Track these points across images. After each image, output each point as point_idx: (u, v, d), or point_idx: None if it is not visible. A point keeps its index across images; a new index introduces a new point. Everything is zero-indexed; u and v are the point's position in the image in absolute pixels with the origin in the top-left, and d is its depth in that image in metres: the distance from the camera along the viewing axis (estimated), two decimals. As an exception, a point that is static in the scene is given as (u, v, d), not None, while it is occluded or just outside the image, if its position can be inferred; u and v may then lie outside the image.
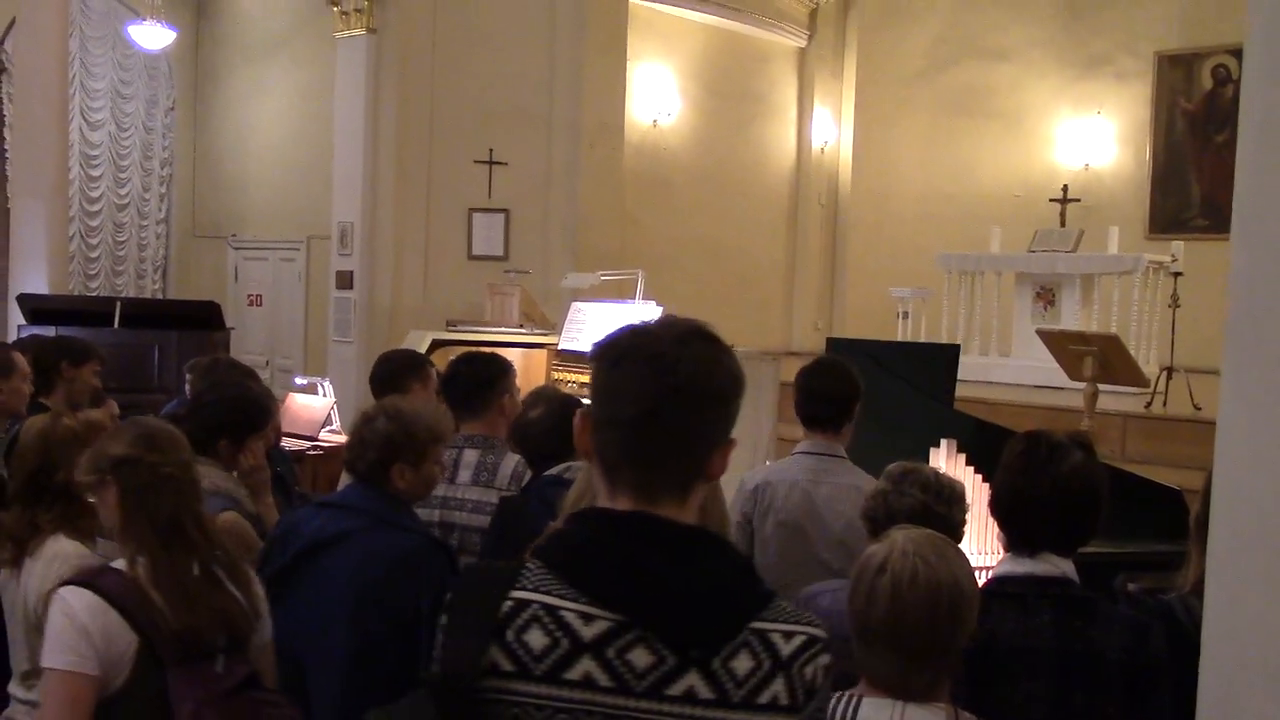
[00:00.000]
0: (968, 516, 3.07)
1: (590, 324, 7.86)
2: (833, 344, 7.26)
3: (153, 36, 12.14)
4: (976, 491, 3.82)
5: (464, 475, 3.95)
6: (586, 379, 2.06)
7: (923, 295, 11.84)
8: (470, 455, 3.98)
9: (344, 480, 3.64)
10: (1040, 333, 8.86)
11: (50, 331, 8.48)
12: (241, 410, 3.85)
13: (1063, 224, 12.10)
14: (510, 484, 3.90)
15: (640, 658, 1.54)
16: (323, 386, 8.49)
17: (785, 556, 3.91)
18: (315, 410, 8.06)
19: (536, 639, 1.56)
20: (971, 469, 4.16)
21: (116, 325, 9.90)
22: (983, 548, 3.95)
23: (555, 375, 8.06)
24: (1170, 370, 9.31)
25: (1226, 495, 1.78)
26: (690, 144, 13.49)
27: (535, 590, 1.58)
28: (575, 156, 11.38)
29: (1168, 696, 2.55)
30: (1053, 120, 14.34)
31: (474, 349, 5.03)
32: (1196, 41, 13.33)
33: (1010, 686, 2.56)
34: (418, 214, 11.34)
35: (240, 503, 3.71)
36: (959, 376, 6.61)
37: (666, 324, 1.65)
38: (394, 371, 4.56)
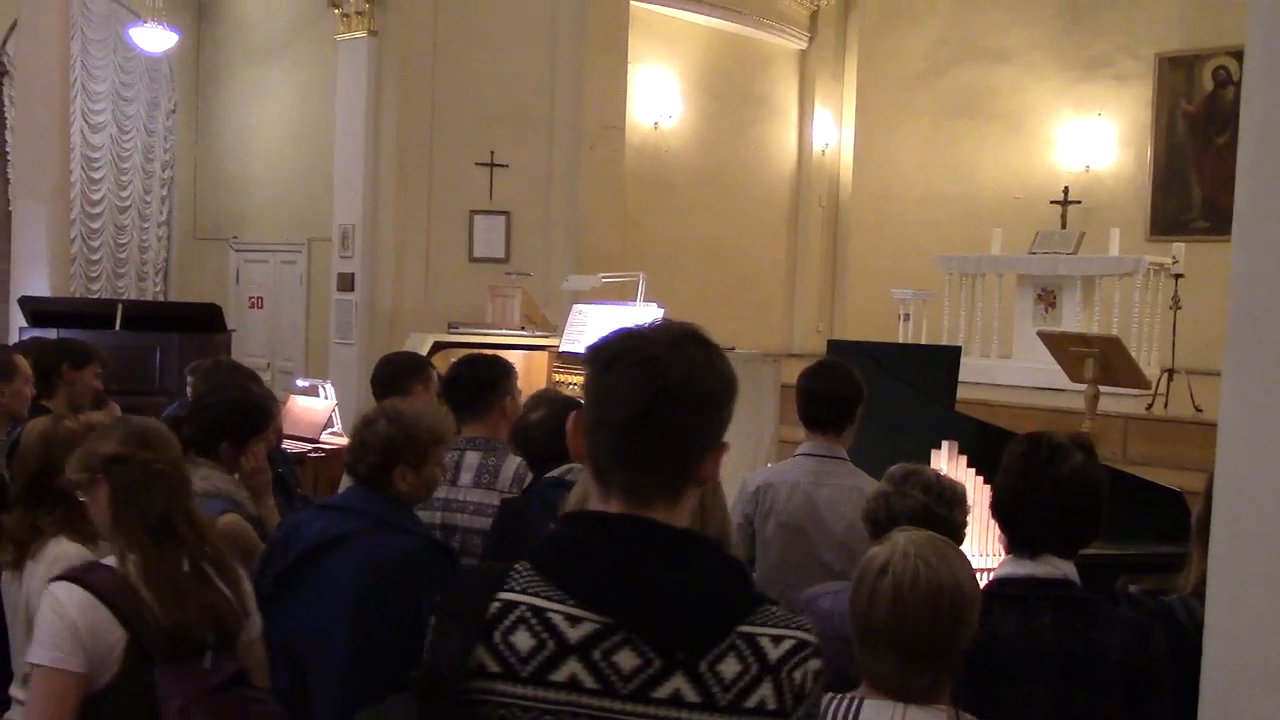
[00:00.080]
0: (969, 518, 3.07)
1: (591, 326, 7.86)
2: (834, 346, 7.25)
3: (154, 39, 12.14)
4: (978, 493, 3.82)
5: (465, 477, 3.95)
6: (587, 381, 2.08)
7: (924, 297, 11.84)
8: (472, 457, 3.98)
9: (345, 483, 3.64)
10: (1041, 334, 8.86)
11: (52, 334, 8.51)
12: (243, 412, 3.85)
13: (1064, 226, 12.09)
14: (512, 486, 3.90)
15: (626, 660, 1.54)
16: (324, 389, 8.49)
17: (786, 558, 3.91)
18: (316, 412, 8.06)
19: (523, 640, 1.56)
20: (973, 471, 4.16)
21: (118, 327, 9.90)
22: (984, 549, 3.95)
23: (556, 377, 8.05)
24: (1171, 372, 9.31)
25: (1228, 497, 1.78)
26: (691, 146, 13.49)
27: (523, 592, 1.59)
28: (576, 158, 11.38)
29: (1169, 698, 2.55)
30: (1053, 122, 14.34)
31: (475, 351, 5.03)
32: (1197, 43, 13.33)
33: (1011, 688, 2.56)
34: (419, 216, 11.35)
35: (242, 505, 3.71)
36: (960, 378, 6.61)
37: (660, 327, 1.65)
38: (395, 374, 4.57)
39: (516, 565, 1.63)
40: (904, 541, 2.26)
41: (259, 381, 4.75)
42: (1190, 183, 13.58)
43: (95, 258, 13.80)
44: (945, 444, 4.26)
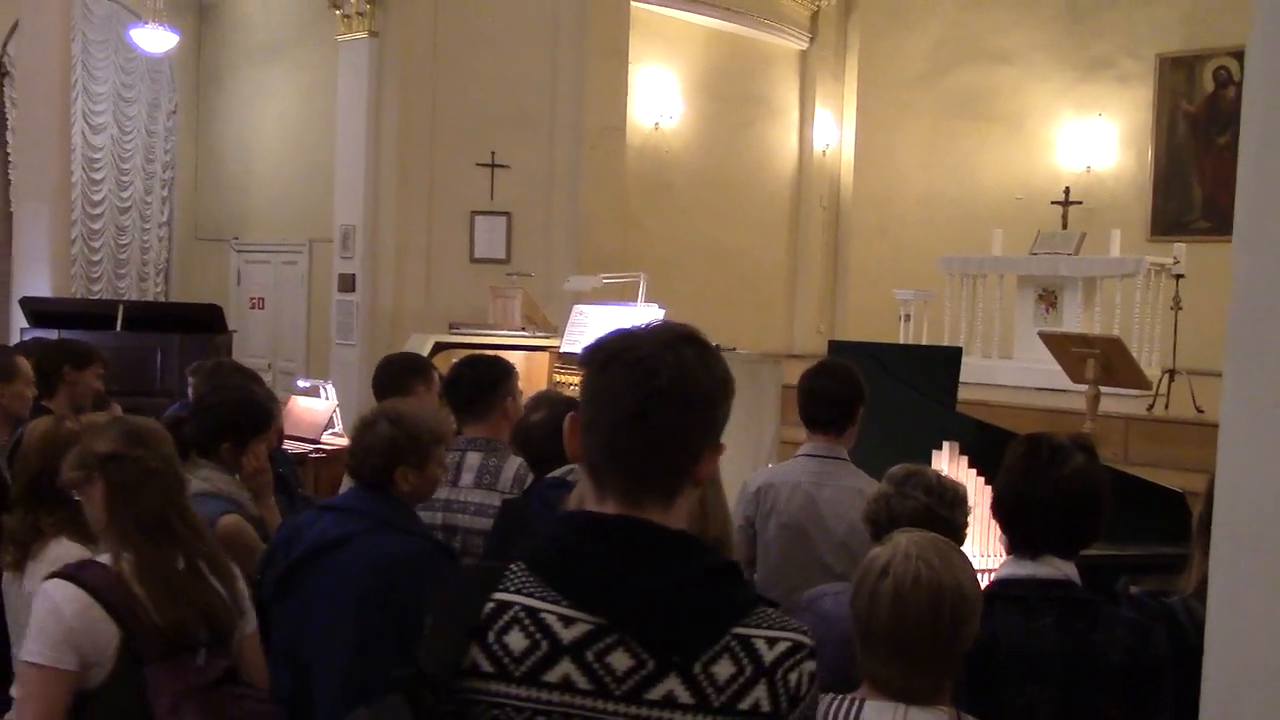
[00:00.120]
0: (970, 519, 3.07)
1: (592, 327, 7.85)
2: (835, 346, 7.25)
3: (155, 40, 12.15)
4: (979, 494, 3.82)
5: (467, 478, 3.95)
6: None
7: (925, 298, 11.84)
8: (473, 458, 3.98)
9: (346, 484, 3.64)
10: (1042, 335, 8.86)
11: (53, 335, 8.52)
12: (244, 413, 3.86)
13: (1064, 226, 12.09)
14: (513, 487, 3.90)
15: (620, 661, 1.55)
16: (325, 389, 8.50)
17: (787, 559, 3.91)
18: (317, 413, 8.07)
19: (516, 641, 1.56)
20: (974, 471, 4.16)
21: (119, 328, 9.92)
22: (985, 550, 3.95)
23: (557, 378, 8.05)
24: (1172, 372, 9.31)
25: (1229, 498, 1.78)
26: (692, 146, 13.49)
27: (517, 592, 1.59)
28: (577, 159, 11.38)
29: (1170, 699, 2.55)
30: (1054, 123, 14.34)
31: (476, 352, 5.04)
32: (1198, 44, 13.33)
33: (1013, 689, 2.56)
34: (420, 217, 11.35)
35: (243, 505, 3.71)
36: (961, 379, 6.61)
37: (654, 328, 1.65)
38: (397, 374, 4.56)
39: (511, 565, 1.63)
40: (905, 543, 2.26)
41: (260, 382, 4.75)
42: (1191, 183, 13.58)
43: (96, 258, 13.81)
44: (946, 445, 4.26)
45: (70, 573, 2.72)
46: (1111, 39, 13.89)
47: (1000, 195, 14.20)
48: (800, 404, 4.01)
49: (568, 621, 1.56)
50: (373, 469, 3.21)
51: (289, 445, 6.28)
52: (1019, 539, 2.71)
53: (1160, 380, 9.27)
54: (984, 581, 2.53)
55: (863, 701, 2.24)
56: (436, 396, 4.50)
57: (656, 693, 1.54)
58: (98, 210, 13.75)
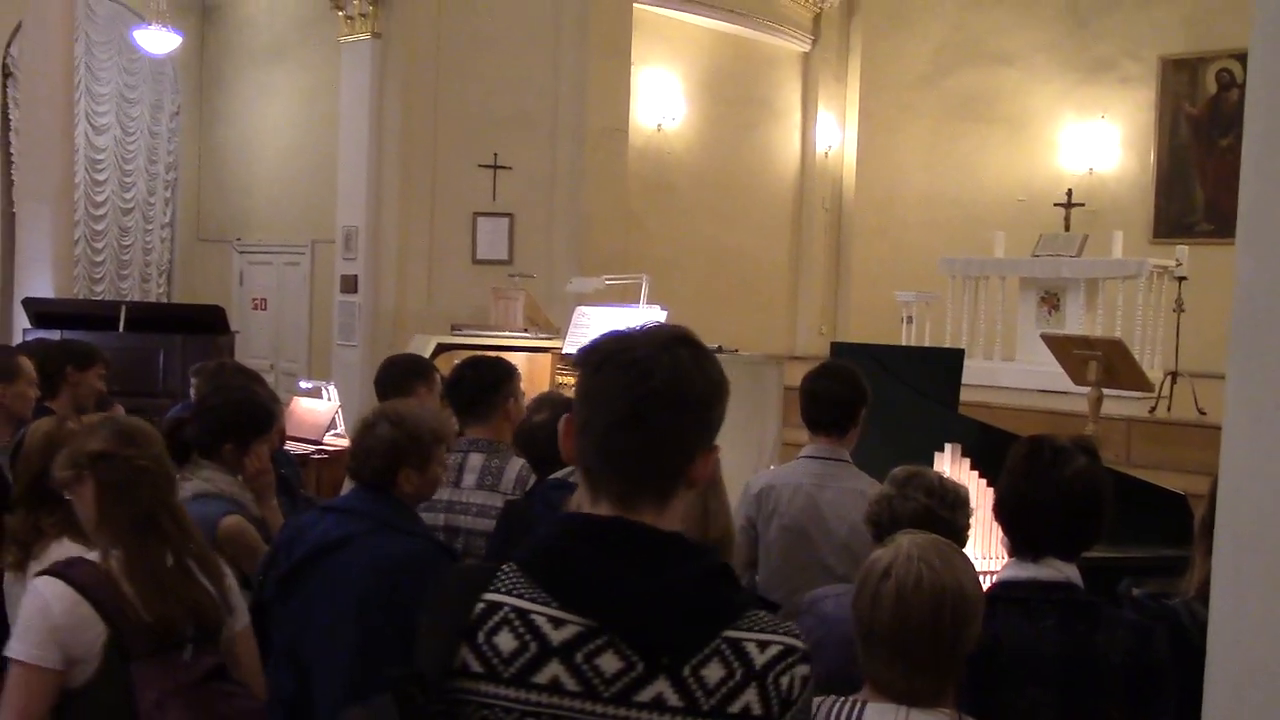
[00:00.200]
0: (972, 521, 3.07)
1: (594, 328, 7.85)
2: (837, 348, 7.26)
3: (158, 41, 12.16)
4: (980, 496, 3.82)
5: (469, 479, 3.95)
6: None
7: (927, 299, 11.83)
8: (475, 459, 3.98)
9: (348, 485, 3.64)
10: (1044, 337, 8.86)
11: (55, 335, 8.52)
12: (246, 414, 3.86)
13: (1067, 228, 12.10)
14: (515, 488, 3.90)
15: (609, 663, 1.54)
16: (327, 390, 8.50)
17: (789, 560, 3.90)
18: (319, 414, 8.07)
19: (506, 642, 1.56)
20: (975, 473, 4.16)
21: (121, 329, 9.91)
22: (987, 552, 3.94)
23: (560, 379, 8.06)
24: (1174, 375, 9.31)
25: (1231, 499, 1.77)
26: (695, 148, 13.50)
27: (508, 593, 1.59)
28: (579, 160, 11.39)
29: (1171, 701, 2.55)
30: (1057, 125, 14.35)
31: (478, 353, 5.04)
32: (1200, 46, 13.34)
33: (1014, 691, 2.56)
34: (422, 218, 11.36)
35: (245, 506, 3.72)
36: (963, 381, 6.62)
37: (649, 330, 1.65)
38: (399, 375, 4.57)
39: (504, 566, 1.63)
40: (907, 544, 2.26)
41: (262, 383, 4.76)
42: (1193, 185, 13.59)
43: (99, 259, 13.82)
44: (948, 446, 4.26)
45: (59, 570, 2.75)
46: (1113, 41, 13.90)
47: (1002, 197, 14.20)
48: (802, 406, 4.01)
49: (557, 623, 1.56)
50: (374, 470, 3.21)
51: (291, 446, 6.28)
52: (1021, 541, 2.70)
53: (1162, 382, 9.27)
54: (986, 583, 2.53)
55: (864, 703, 2.24)
56: (438, 398, 4.50)
57: (645, 695, 1.54)
58: (100, 211, 13.76)
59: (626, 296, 8.65)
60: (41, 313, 9.97)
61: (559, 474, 3.50)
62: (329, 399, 8.33)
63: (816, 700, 2.28)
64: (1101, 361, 7.87)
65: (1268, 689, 1.67)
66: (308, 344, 13.24)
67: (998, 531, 2.83)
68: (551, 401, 3.91)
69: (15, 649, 2.65)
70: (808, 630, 2.98)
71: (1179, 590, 2.94)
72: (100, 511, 2.81)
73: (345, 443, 7.24)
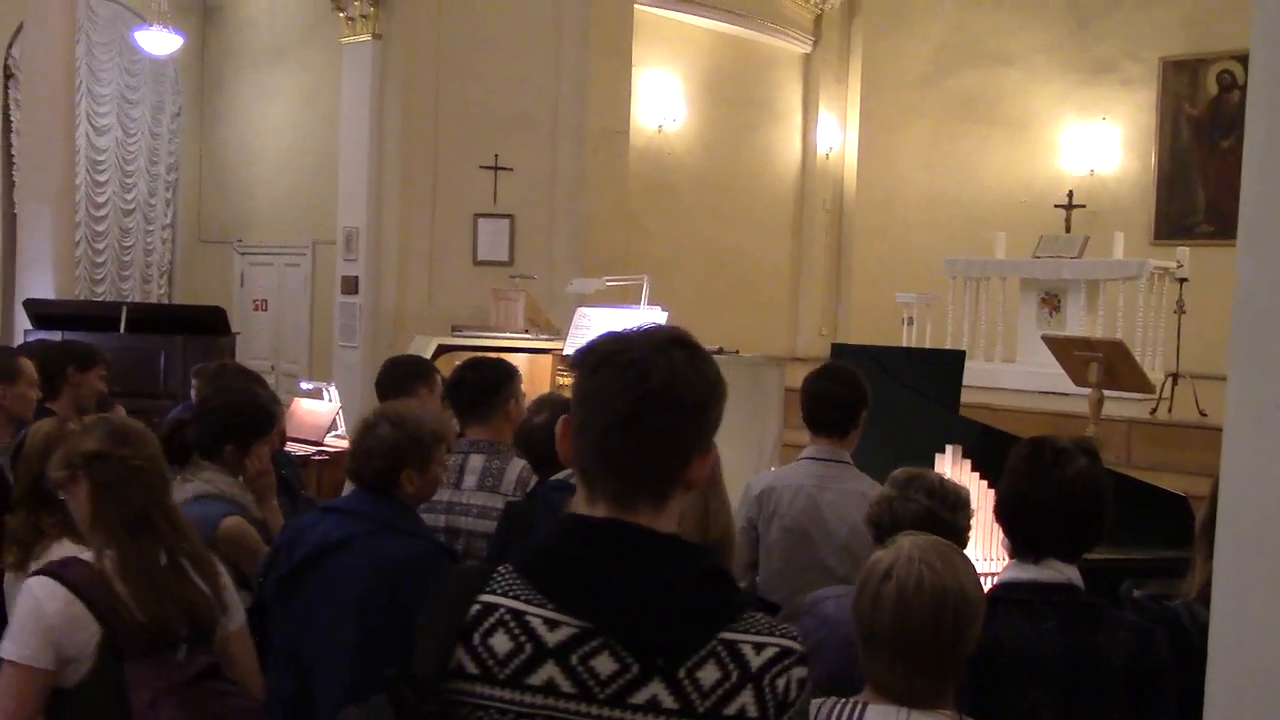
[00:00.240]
0: (972, 522, 3.07)
1: (595, 329, 7.85)
2: (838, 349, 7.26)
3: (159, 42, 12.17)
4: (981, 497, 3.82)
5: (469, 480, 3.95)
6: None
7: (927, 301, 11.84)
8: (476, 460, 3.98)
9: (349, 486, 3.65)
10: (1045, 338, 8.86)
11: (56, 336, 8.52)
12: (247, 415, 3.87)
13: (1068, 229, 12.11)
14: (516, 489, 3.90)
15: (604, 665, 1.54)
16: (328, 391, 8.51)
17: (790, 562, 3.90)
18: (320, 415, 8.07)
19: (501, 643, 1.56)
20: (976, 475, 4.16)
21: (122, 330, 9.90)
22: (988, 554, 3.94)
23: (560, 381, 8.05)
24: (1176, 376, 9.31)
25: (1232, 501, 1.77)
26: (695, 149, 13.51)
27: (504, 595, 1.59)
28: (580, 161, 11.39)
29: (1173, 703, 2.55)
30: (1058, 126, 14.36)
31: (479, 354, 5.04)
32: (1201, 47, 13.34)
33: (1015, 693, 2.56)
34: (423, 219, 11.36)
35: (246, 508, 3.72)
36: (964, 382, 6.62)
37: (645, 331, 1.64)
38: (400, 377, 4.57)
39: (500, 568, 1.63)
40: (908, 546, 2.26)
41: (263, 384, 4.76)
42: (1195, 187, 13.59)
43: (100, 260, 13.82)
44: (949, 448, 4.25)
45: (53, 569, 2.76)
46: (1114, 42, 13.90)
47: (1003, 198, 14.21)
48: (803, 407, 4.01)
49: (552, 624, 1.56)
50: (376, 472, 3.21)
51: (291, 447, 6.28)
52: (1021, 542, 2.70)
53: (1163, 384, 9.27)
54: (986, 585, 2.53)
55: (865, 705, 2.24)
56: (439, 399, 4.50)
57: (640, 697, 1.53)
58: (101, 212, 13.76)
59: (627, 298, 8.64)
60: (42, 314, 9.97)
61: (560, 475, 3.50)
62: (330, 400, 8.33)
63: (817, 702, 2.28)
64: (1102, 363, 7.87)
65: (1269, 690, 1.67)
66: (308, 345, 13.24)
67: (999, 533, 2.83)
68: (552, 403, 3.91)
69: (7, 649, 2.66)
70: (808, 632, 2.98)
71: (1180, 592, 2.94)
72: (94, 511, 2.82)
73: (346, 444, 7.25)
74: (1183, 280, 10.02)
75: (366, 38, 11.20)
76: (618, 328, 1.68)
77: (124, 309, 10.30)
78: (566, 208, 11.40)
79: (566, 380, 7.87)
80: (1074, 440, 2.79)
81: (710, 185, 13.52)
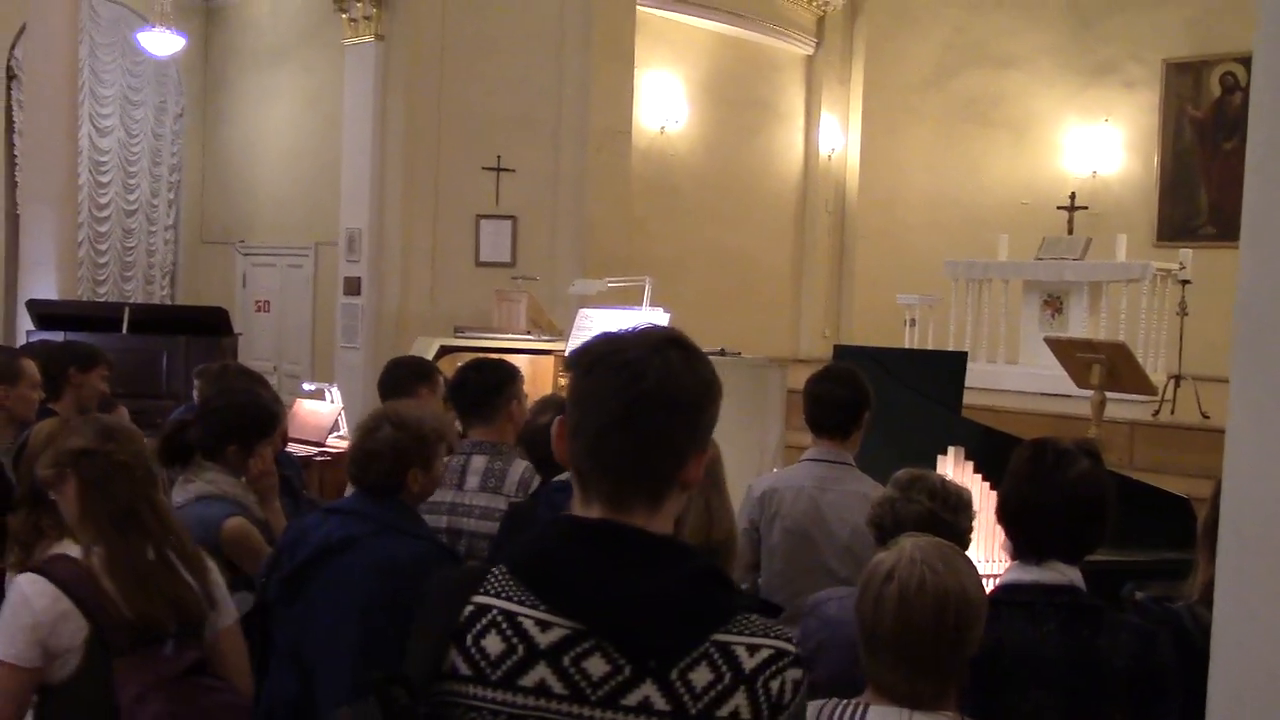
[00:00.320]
0: (974, 524, 3.06)
1: (597, 330, 7.82)
2: (840, 351, 7.27)
3: (162, 43, 12.18)
4: (983, 499, 3.81)
5: (472, 481, 3.95)
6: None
7: (930, 302, 11.84)
8: (478, 461, 3.98)
9: (351, 487, 3.65)
10: (1048, 340, 8.85)
11: (59, 337, 8.52)
12: (250, 416, 3.87)
13: (1070, 231, 12.10)
14: (518, 490, 3.90)
15: (596, 666, 1.54)
16: (330, 393, 8.51)
17: (792, 563, 3.90)
18: (323, 416, 8.08)
19: (493, 644, 1.56)
20: (979, 476, 4.16)
21: (125, 331, 9.92)
22: (990, 555, 3.94)
23: (562, 382, 8.06)
24: (1178, 378, 9.31)
25: (1235, 503, 1.77)
26: (698, 151, 13.51)
27: (496, 596, 1.59)
28: (582, 163, 11.39)
29: (1175, 705, 2.55)
30: (1060, 128, 14.35)
31: (481, 355, 5.04)
32: (1204, 49, 13.33)
33: (1018, 695, 2.55)
34: (425, 220, 11.36)
35: (248, 508, 3.72)
36: (966, 384, 6.61)
37: (640, 332, 1.64)
38: (402, 378, 4.57)
39: (494, 569, 1.63)
40: (910, 547, 2.26)
41: (266, 385, 4.76)
42: (1198, 188, 13.58)
43: (102, 261, 13.83)
44: (951, 449, 4.25)
45: (40, 566, 2.79)
46: (1117, 44, 13.90)
47: (1006, 200, 14.20)
48: (805, 408, 4.01)
49: (545, 626, 1.55)
50: (382, 474, 3.21)
51: (294, 448, 6.29)
52: (1024, 544, 2.70)
53: (1166, 386, 9.26)
54: (989, 586, 2.53)
55: (867, 706, 2.24)
56: (441, 400, 4.51)
57: (632, 699, 1.53)
58: (104, 213, 13.78)
59: (629, 299, 8.65)
60: (45, 314, 9.99)
61: (562, 476, 3.49)
62: (332, 401, 8.33)
63: (819, 703, 2.28)
64: (1105, 365, 7.86)
65: (1271, 692, 1.67)
66: (311, 346, 13.25)
67: (1001, 534, 2.82)
68: (555, 404, 3.91)
69: None
70: (811, 633, 2.99)
71: (1182, 594, 2.93)
72: (82, 508, 2.84)
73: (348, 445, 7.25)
74: (1185, 282, 10.01)
75: (369, 39, 11.20)
76: (618, 329, 1.68)
77: (126, 310, 10.31)
78: (569, 209, 11.40)
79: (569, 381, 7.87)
80: (1076, 442, 2.79)
81: (712, 186, 13.52)
